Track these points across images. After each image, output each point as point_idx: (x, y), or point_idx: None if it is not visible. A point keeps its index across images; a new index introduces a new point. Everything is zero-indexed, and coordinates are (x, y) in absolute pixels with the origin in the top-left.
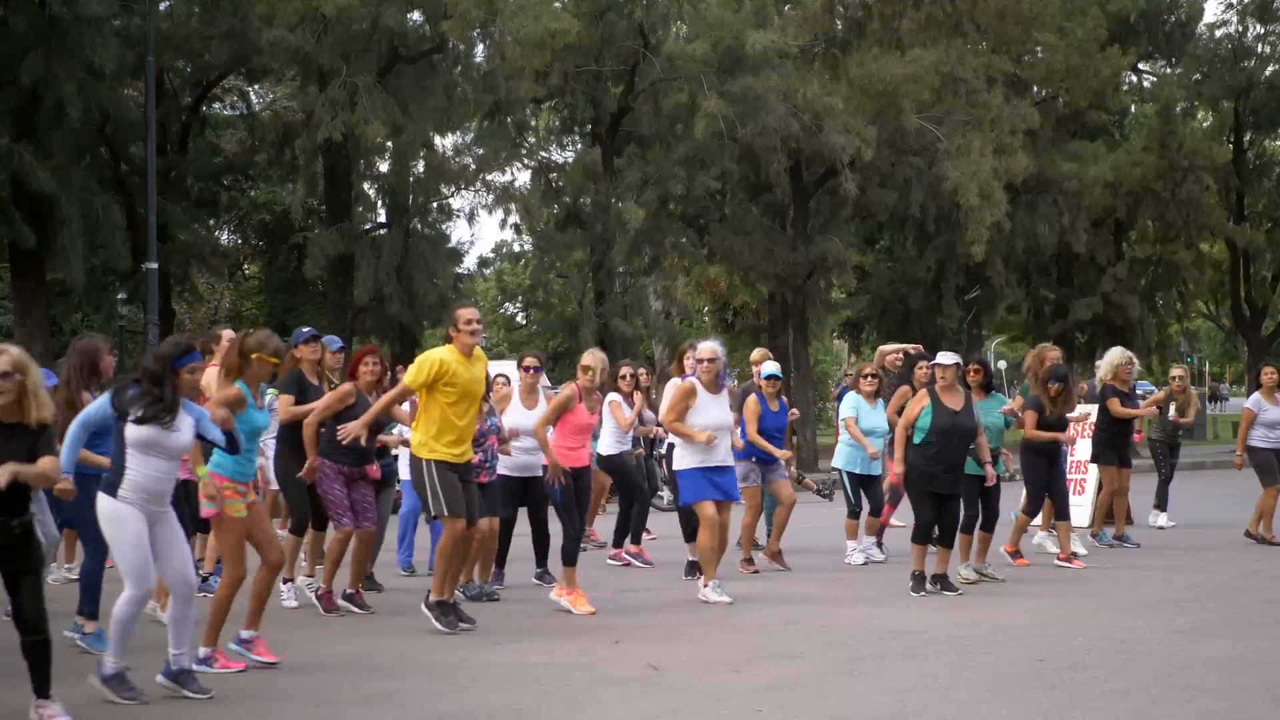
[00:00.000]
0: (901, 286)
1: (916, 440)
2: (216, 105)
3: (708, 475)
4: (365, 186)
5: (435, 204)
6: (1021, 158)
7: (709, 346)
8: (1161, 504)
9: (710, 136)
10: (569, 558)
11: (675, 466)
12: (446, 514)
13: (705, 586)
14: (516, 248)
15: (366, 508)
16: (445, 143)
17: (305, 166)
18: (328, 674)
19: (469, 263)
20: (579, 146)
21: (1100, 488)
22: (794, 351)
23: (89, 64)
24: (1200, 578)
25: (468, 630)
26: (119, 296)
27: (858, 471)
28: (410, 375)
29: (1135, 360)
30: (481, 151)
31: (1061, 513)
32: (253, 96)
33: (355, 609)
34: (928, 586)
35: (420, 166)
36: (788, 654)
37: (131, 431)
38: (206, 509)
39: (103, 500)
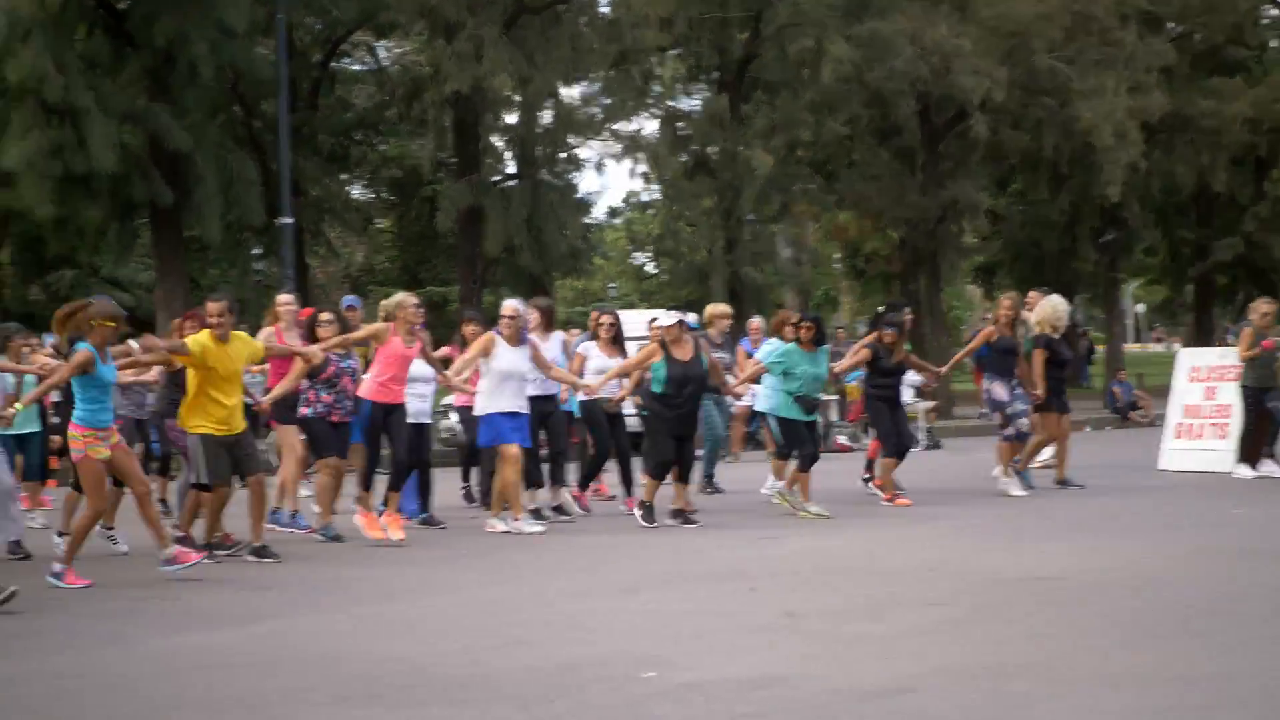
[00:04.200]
0: (1035, 230)
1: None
2: (346, 61)
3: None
4: (493, 138)
5: (563, 154)
6: (1157, 96)
7: (511, 304)
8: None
9: (838, 81)
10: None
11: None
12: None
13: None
14: (645, 197)
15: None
16: (572, 93)
17: (434, 120)
18: (464, 618)
19: (598, 213)
20: (706, 94)
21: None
22: (926, 297)
23: (221, 23)
24: None
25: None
26: (254, 252)
27: None
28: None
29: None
30: (608, 101)
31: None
32: (381, 51)
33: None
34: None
35: (548, 117)
36: (926, 600)
37: None
38: (75, 454)
39: None
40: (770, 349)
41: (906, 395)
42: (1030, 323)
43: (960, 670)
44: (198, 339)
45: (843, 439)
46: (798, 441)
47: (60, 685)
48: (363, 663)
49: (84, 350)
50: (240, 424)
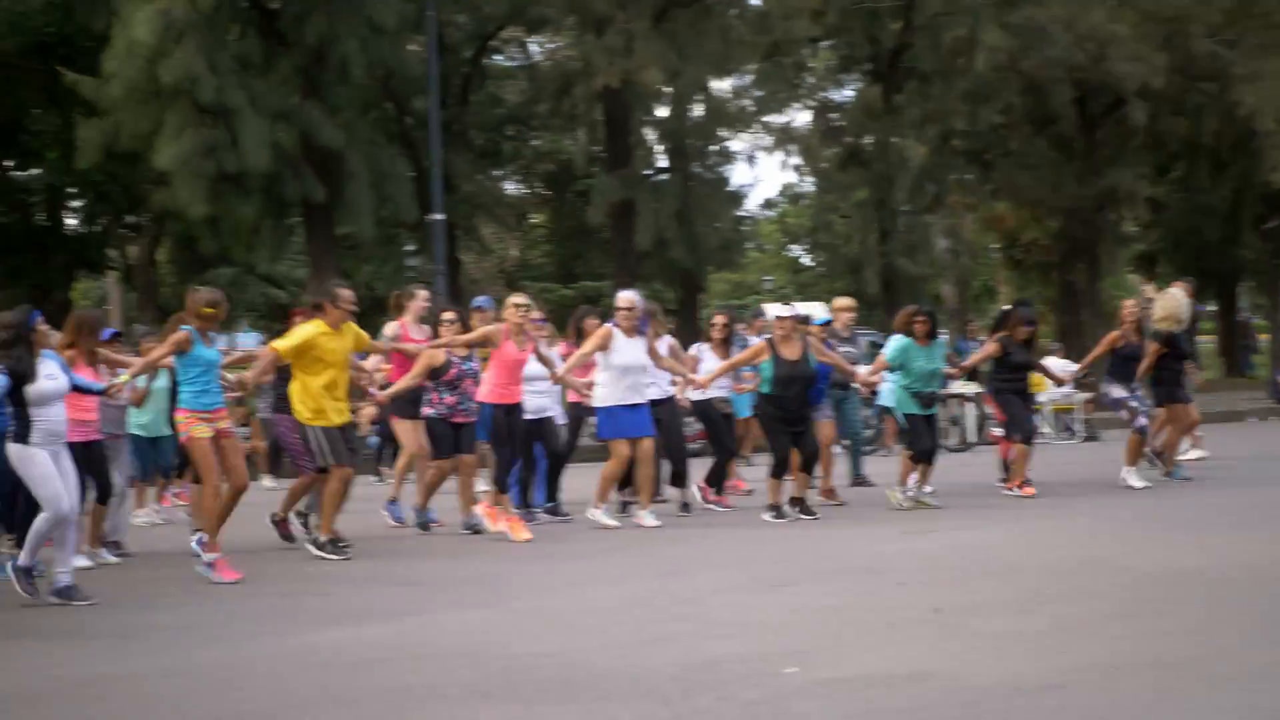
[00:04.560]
0: (1196, 218)
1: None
2: (496, 57)
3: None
4: (645, 132)
5: (714, 147)
6: None
7: (627, 296)
8: None
9: (992, 69)
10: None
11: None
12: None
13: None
14: (802, 188)
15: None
16: (723, 85)
17: (585, 114)
18: (609, 613)
19: (751, 205)
20: (858, 85)
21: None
22: (1085, 286)
23: (371, 21)
24: None
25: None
26: (407, 248)
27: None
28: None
29: None
30: (760, 93)
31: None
32: (532, 47)
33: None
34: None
35: (699, 110)
36: (1077, 595)
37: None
38: (181, 438)
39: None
40: (892, 344)
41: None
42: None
43: (1113, 666)
44: (306, 330)
45: (997, 430)
46: (914, 435)
47: (206, 679)
48: (504, 658)
49: (183, 331)
50: (347, 415)
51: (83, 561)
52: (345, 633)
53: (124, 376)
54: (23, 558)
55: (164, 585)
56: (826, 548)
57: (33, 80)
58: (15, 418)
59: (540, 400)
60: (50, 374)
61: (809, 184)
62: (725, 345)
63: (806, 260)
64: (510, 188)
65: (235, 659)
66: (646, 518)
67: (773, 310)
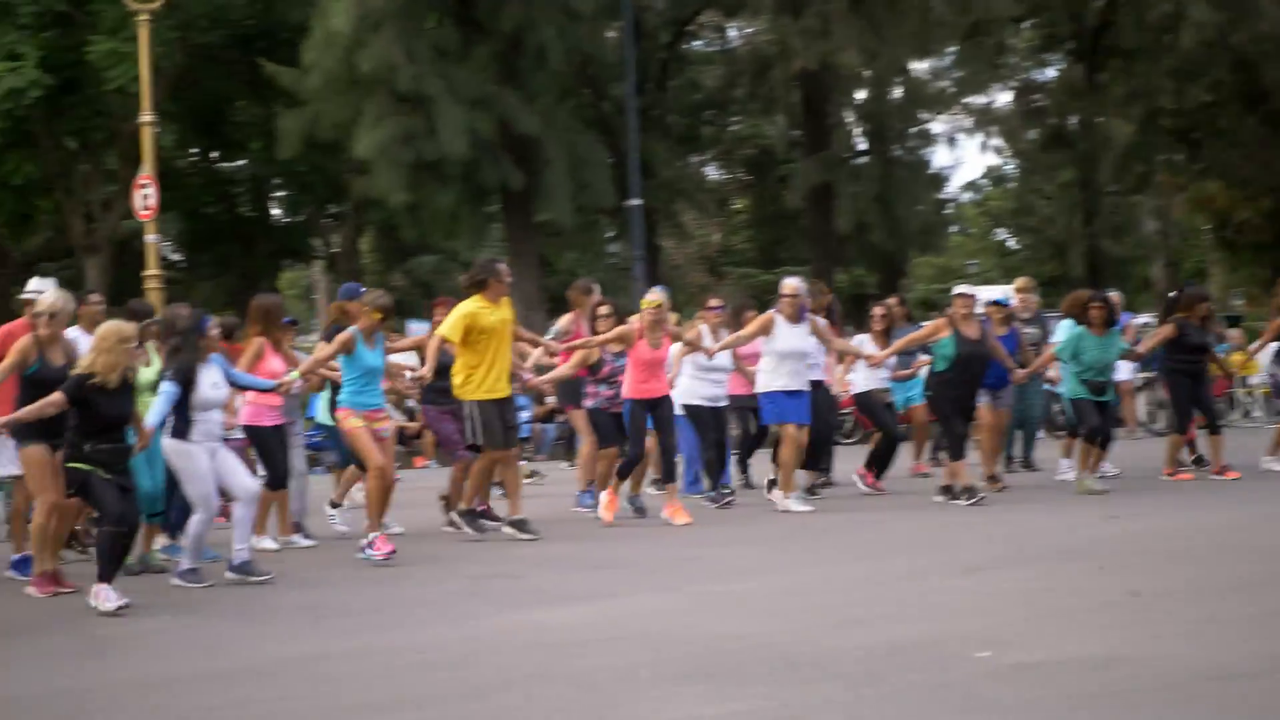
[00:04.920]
0: None
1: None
2: (694, 42)
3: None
4: (843, 115)
5: (914, 129)
6: None
7: (791, 282)
8: None
9: (1199, 45)
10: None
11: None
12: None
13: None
14: (1006, 170)
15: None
16: (922, 67)
17: (783, 97)
18: (799, 597)
19: (953, 188)
20: (1060, 64)
21: None
22: None
23: (568, 7)
24: None
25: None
26: (607, 234)
27: None
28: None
29: None
30: (960, 74)
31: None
32: (730, 31)
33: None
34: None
35: (898, 92)
36: None
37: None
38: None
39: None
40: (1064, 331)
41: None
42: None
43: None
44: (465, 308)
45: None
46: (1086, 420)
47: (396, 660)
48: (694, 641)
49: (349, 331)
50: (507, 390)
51: (267, 543)
52: (536, 615)
53: (294, 374)
54: (186, 561)
55: (358, 567)
56: (1020, 531)
57: (235, 72)
58: (176, 415)
59: (718, 389)
60: (215, 382)
61: (1012, 166)
62: (885, 336)
63: (1012, 244)
64: (712, 173)
65: (426, 642)
66: (794, 504)
67: (962, 289)
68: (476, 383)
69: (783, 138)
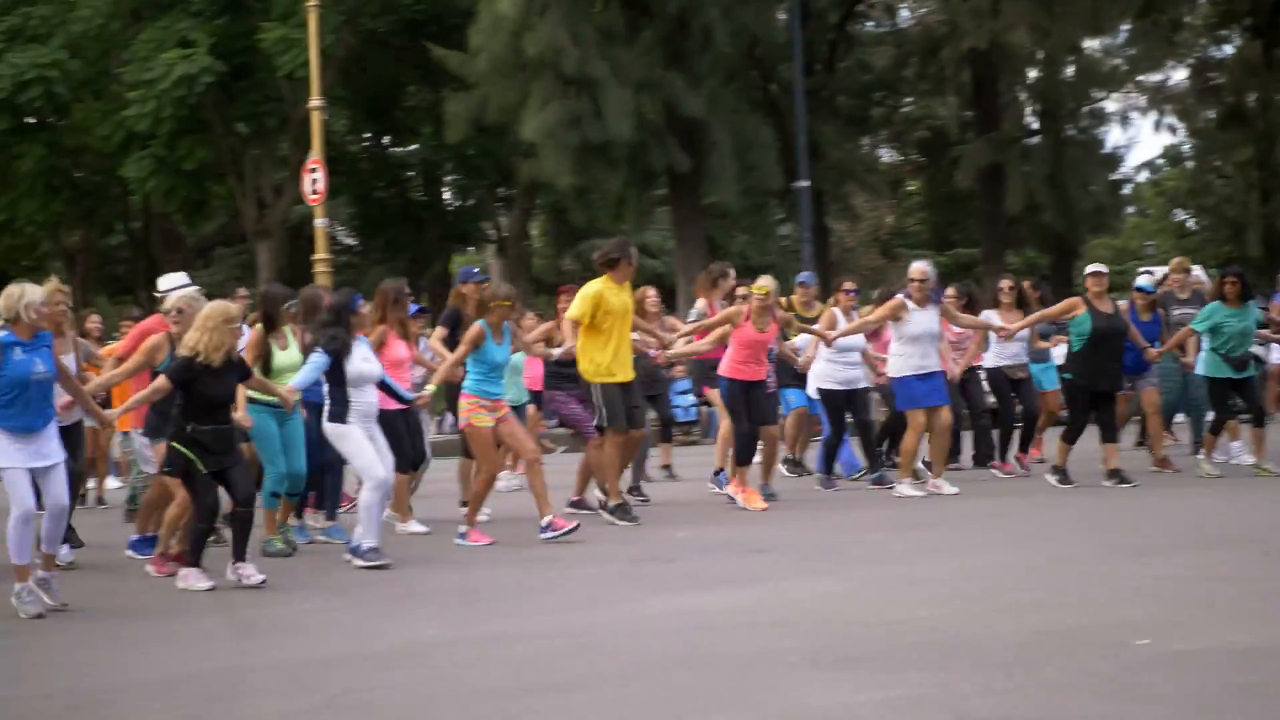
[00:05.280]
0: None
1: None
2: (869, 24)
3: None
4: (1013, 94)
5: (1086, 108)
6: None
7: (919, 267)
8: None
9: None
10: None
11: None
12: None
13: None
14: (1182, 149)
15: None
16: (1094, 45)
17: (952, 77)
18: (960, 581)
19: (1127, 168)
20: (1237, 41)
21: None
22: None
23: None
24: None
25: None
26: (776, 216)
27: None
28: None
29: None
30: (1133, 52)
31: None
32: (903, 12)
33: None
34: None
35: (1069, 71)
36: None
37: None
38: (462, 422)
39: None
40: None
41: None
42: None
43: None
44: (592, 288)
45: None
46: (1221, 403)
47: (546, 644)
48: (848, 625)
49: (477, 326)
50: (632, 372)
51: (415, 527)
52: (690, 599)
53: (430, 388)
54: (367, 540)
55: (507, 549)
56: (1186, 517)
57: (405, 58)
58: (333, 398)
59: (852, 372)
60: (365, 356)
61: (1189, 145)
62: (1013, 310)
63: (1191, 224)
64: (885, 155)
65: (579, 625)
66: (945, 486)
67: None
68: (601, 365)
69: (955, 118)
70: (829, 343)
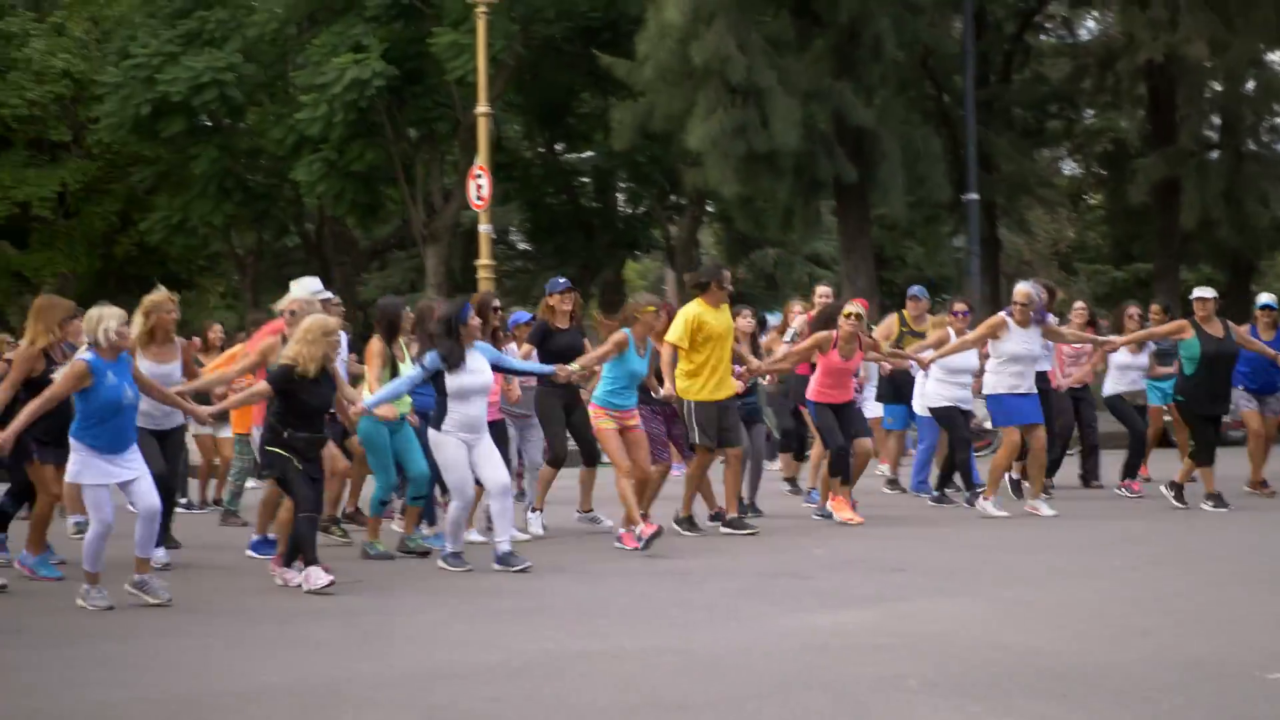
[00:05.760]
0: None
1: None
2: (1044, 36)
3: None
4: (1192, 108)
5: (1268, 123)
6: None
7: (1023, 288)
8: None
9: None
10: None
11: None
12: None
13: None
14: None
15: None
16: (1277, 58)
17: (1129, 90)
18: (1089, 605)
19: None
20: None
21: None
22: None
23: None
24: None
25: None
26: (945, 229)
27: None
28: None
29: None
30: None
31: None
32: (1088, 23)
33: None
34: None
35: (1250, 84)
36: None
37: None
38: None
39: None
40: None
41: None
42: None
43: None
44: (690, 311)
45: None
46: None
47: (662, 660)
48: (968, 649)
49: (623, 333)
50: (729, 389)
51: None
52: (813, 619)
53: (575, 365)
54: (450, 546)
55: (645, 561)
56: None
57: (577, 64)
58: (436, 405)
59: (962, 392)
60: (476, 369)
61: None
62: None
63: None
64: (1068, 167)
65: (696, 643)
66: (1042, 507)
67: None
68: (700, 385)
69: (1136, 132)
70: (924, 366)
